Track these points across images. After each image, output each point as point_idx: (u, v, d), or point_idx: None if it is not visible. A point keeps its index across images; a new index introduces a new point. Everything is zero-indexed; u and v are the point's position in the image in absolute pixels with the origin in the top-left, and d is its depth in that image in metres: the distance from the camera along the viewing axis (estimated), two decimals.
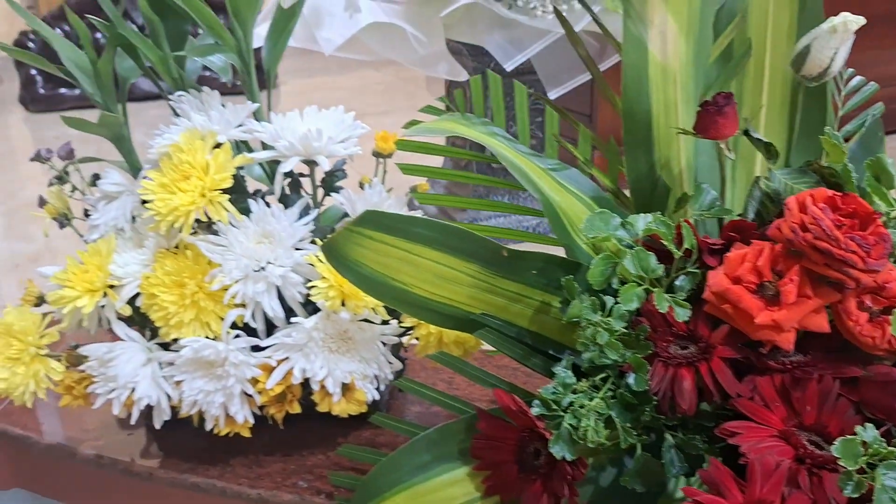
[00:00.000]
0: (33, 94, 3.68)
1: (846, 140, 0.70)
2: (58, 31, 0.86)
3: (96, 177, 0.87)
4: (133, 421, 0.78)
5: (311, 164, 0.81)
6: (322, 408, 0.77)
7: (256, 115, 0.82)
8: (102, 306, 0.78)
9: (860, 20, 0.59)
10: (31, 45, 3.75)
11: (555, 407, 0.57)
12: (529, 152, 0.71)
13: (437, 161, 2.08)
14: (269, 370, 0.75)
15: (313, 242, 0.78)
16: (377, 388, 0.79)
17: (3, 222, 2.51)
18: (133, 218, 0.80)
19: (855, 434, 0.50)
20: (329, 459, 0.83)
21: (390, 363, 0.79)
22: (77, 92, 3.62)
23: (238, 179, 0.79)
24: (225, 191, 0.75)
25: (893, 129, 0.81)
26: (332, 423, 0.83)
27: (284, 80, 3.79)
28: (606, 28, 0.82)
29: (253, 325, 0.77)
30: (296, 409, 0.78)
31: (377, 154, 0.89)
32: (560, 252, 0.66)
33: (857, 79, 0.76)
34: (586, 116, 2.50)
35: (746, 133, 0.63)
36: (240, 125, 0.80)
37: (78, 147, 0.90)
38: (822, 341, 0.55)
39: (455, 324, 0.64)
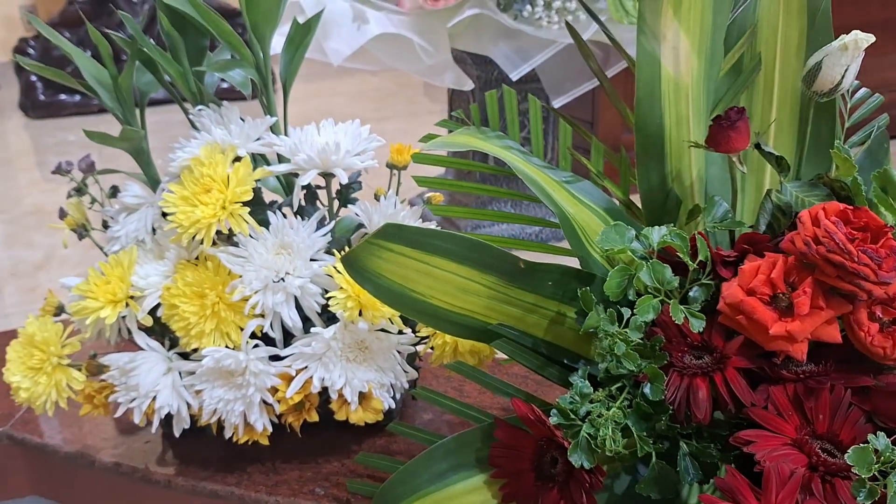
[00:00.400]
0: (33, 100, 3.65)
1: None
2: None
3: (115, 189, 0.88)
4: (154, 430, 0.79)
5: (327, 176, 0.82)
6: (340, 416, 0.78)
7: (273, 128, 0.84)
8: (124, 317, 0.79)
9: (870, 38, 0.60)
10: (30, 51, 3.75)
11: (572, 416, 0.58)
12: (544, 165, 0.72)
13: (440, 172, 2.10)
14: (289, 379, 0.77)
15: (329, 253, 0.80)
16: (393, 397, 0.80)
17: (5, 230, 2.50)
18: (153, 230, 0.81)
19: (867, 442, 0.51)
20: (344, 467, 0.84)
21: (406, 372, 0.80)
22: (77, 98, 3.64)
23: (256, 191, 0.80)
24: (244, 203, 0.76)
25: (894, 134, 0.82)
26: (346, 431, 0.84)
27: None
28: (615, 38, 0.83)
29: (272, 335, 0.78)
30: (314, 417, 0.79)
31: (391, 166, 0.90)
32: (569, 261, 0.66)
33: (863, 91, 0.77)
34: (588, 123, 2.52)
35: (758, 147, 0.64)
36: (258, 139, 0.81)
37: (81, 155, 0.91)
38: (834, 352, 0.57)
39: (472, 334, 0.64)
